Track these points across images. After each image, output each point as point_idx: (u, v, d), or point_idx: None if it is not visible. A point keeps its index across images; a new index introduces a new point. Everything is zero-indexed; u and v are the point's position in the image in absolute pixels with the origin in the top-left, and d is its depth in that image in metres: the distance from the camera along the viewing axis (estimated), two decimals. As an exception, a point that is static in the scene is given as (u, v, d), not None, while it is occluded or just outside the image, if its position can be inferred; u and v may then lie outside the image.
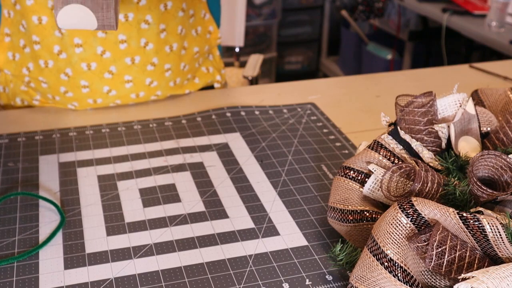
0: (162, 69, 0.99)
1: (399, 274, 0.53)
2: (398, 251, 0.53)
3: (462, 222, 0.53)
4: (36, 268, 0.63)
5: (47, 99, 1.00)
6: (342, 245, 0.64)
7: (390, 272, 0.53)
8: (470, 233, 0.53)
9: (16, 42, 0.97)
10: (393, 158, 0.67)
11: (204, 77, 1.10)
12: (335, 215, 0.65)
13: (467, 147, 0.69)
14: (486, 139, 0.71)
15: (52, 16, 0.91)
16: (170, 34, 0.97)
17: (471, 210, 0.58)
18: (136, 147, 0.87)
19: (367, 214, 0.62)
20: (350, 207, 0.64)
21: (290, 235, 0.69)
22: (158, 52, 0.97)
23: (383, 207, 0.66)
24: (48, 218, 0.71)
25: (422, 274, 0.54)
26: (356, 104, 1.05)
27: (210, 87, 1.14)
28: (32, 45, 0.95)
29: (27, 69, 0.98)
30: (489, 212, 0.57)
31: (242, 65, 2.16)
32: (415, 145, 0.68)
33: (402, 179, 0.64)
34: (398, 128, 0.68)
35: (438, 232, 0.53)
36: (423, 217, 0.54)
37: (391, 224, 0.54)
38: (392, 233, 0.54)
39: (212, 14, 1.10)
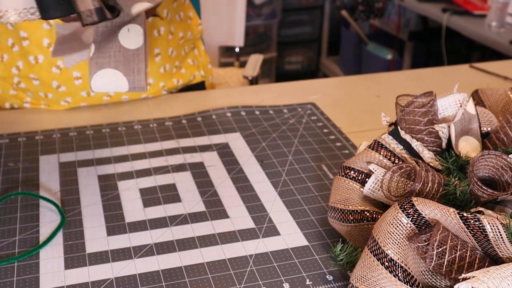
0: (151, 54, 0.99)
1: (399, 274, 0.53)
2: (398, 251, 0.53)
3: (463, 222, 0.53)
4: (36, 268, 0.63)
5: (38, 99, 0.99)
6: (342, 245, 0.64)
7: (390, 272, 0.53)
8: (470, 233, 0.53)
9: (4, 42, 0.96)
10: (393, 158, 0.67)
11: (190, 68, 1.11)
12: (335, 215, 0.65)
13: (468, 147, 0.69)
14: (486, 139, 0.71)
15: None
16: (157, 18, 0.97)
17: (472, 210, 0.58)
18: (137, 147, 0.87)
19: (368, 214, 0.62)
20: (350, 207, 0.64)
21: (290, 235, 0.69)
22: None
23: (384, 207, 0.66)
24: (48, 218, 0.71)
25: (423, 274, 0.54)
26: (357, 104, 1.05)
27: (201, 86, 1.14)
28: (21, 42, 0.94)
29: (16, 68, 0.97)
30: (490, 212, 0.57)
31: (242, 65, 2.16)
32: (416, 145, 0.68)
33: (403, 179, 0.64)
34: (399, 128, 0.69)
35: (439, 232, 0.53)
36: (423, 217, 0.54)
37: (392, 224, 0.54)
38: (393, 233, 0.54)
39: (192, 3, 1.12)
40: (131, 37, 0.67)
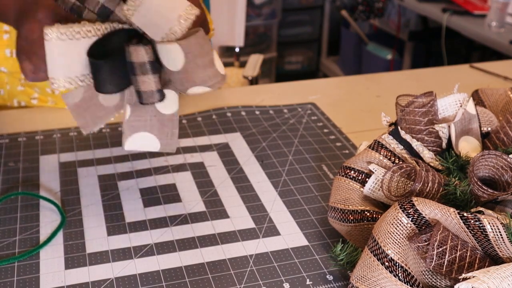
0: None
1: (399, 274, 0.53)
2: (399, 251, 0.53)
3: (463, 222, 0.53)
4: (36, 268, 0.63)
5: (46, 95, 1.00)
6: (342, 245, 0.64)
7: (391, 272, 0.53)
8: (470, 233, 0.53)
9: (14, 38, 0.97)
10: (393, 158, 0.67)
11: None
12: (335, 215, 0.65)
13: (468, 147, 0.69)
14: (486, 139, 0.71)
15: None
16: None
17: (472, 210, 0.58)
18: (137, 147, 0.87)
19: (368, 214, 0.62)
20: (350, 207, 0.64)
21: (290, 235, 0.69)
22: None
23: (384, 207, 0.66)
24: (48, 218, 0.71)
25: (423, 274, 0.54)
26: (357, 104, 1.05)
27: None
28: None
29: None
30: (490, 212, 0.57)
31: (242, 65, 2.16)
32: (416, 145, 0.68)
33: (403, 179, 0.64)
34: (399, 128, 0.69)
35: (439, 232, 0.53)
36: (423, 217, 0.54)
37: (392, 224, 0.54)
38: (393, 233, 0.54)
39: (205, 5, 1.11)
40: (167, 102, 0.67)
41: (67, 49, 0.61)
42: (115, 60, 0.63)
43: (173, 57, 0.62)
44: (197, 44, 0.62)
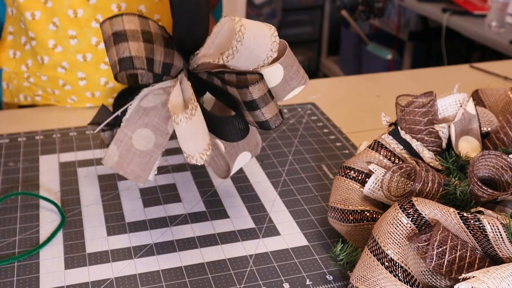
0: None
1: (399, 274, 0.53)
2: (398, 251, 0.53)
3: (463, 222, 0.53)
4: (36, 268, 0.63)
5: (48, 94, 1.00)
6: (342, 245, 0.64)
7: (390, 272, 0.53)
8: (470, 233, 0.53)
9: (18, 39, 0.98)
10: (393, 158, 0.67)
11: None
12: (335, 215, 0.65)
13: (468, 147, 0.69)
14: (486, 139, 0.71)
15: (45, 11, 0.92)
16: (165, 26, 0.98)
17: (472, 210, 0.58)
18: (137, 147, 0.87)
19: (368, 214, 0.62)
20: (350, 207, 0.64)
21: (290, 235, 0.69)
22: None
23: (384, 207, 0.66)
24: (48, 218, 0.71)
25: (423, 274, 0.54)
26: (357, 104, 1.05)
27: None
28: (30, 41, 0.95)
29: (25, 65, 0.98)
30: (490, 212, 0.57)
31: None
32: (416, 145, 0.68)
33: (403, 179, 0.64)
34: (399, 128, 0.69)
35: (439, 232, 0.53)
36: (423, 217, 0.54)
37: (392, 224, 0.54)
38: (393, 233, 0.54)
39: (214, 17, 1.11)
40: None
41: (195, 125, 0.61)
42: (236, 109, 0.65)
43: (275, 75, 0.64)
44: (290, 55, 0.65)
